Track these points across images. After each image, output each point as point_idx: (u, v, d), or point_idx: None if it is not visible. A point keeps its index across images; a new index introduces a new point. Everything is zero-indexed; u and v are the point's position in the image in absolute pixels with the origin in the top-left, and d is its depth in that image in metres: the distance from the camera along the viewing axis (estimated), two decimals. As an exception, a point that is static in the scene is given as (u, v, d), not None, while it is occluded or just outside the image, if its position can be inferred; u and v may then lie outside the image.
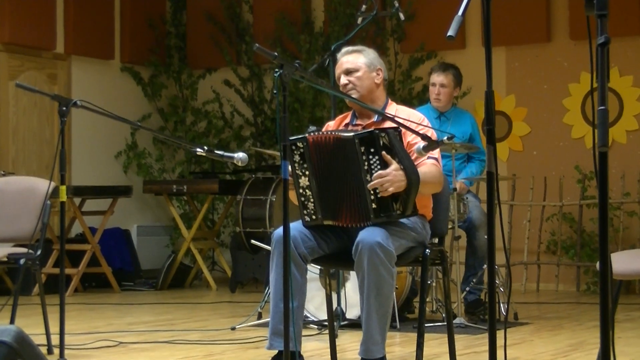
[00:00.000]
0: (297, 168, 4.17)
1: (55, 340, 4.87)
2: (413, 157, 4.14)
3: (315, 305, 6.02)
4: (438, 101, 6.58)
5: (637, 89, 8.49)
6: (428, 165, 4.21)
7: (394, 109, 4.43)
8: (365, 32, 8.73)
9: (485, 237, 6.19)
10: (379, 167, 4.01)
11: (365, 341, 4.02)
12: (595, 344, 5.27)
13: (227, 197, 9.84)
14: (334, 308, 5.07)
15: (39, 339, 4.73)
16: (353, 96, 4.33)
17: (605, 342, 2.41)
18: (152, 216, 10.37)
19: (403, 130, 4.13)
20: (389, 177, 3.97)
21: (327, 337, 4.68)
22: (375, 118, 4.38)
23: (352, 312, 5.95)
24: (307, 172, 4.16)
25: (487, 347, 2.93)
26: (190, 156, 10.28)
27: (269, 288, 4.36)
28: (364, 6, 6.37)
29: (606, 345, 2.42)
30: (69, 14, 9.50)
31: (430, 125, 4.38)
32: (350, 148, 4.05)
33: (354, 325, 5.79)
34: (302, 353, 4.21)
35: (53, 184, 5.21)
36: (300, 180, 4.18)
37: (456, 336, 4.50)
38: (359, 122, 4.43)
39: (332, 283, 5.75)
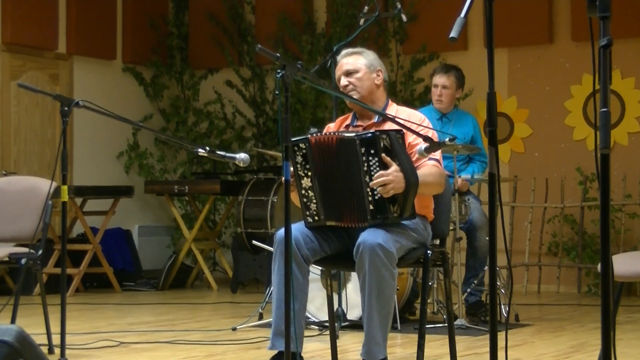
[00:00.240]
0: (299, 169, 4.17)
1: (56, 340, 4.87)
2: (414, 158, 4.15)
3: (316, 306, 6.01)
4: (440, 102, 6.58)
5: (639, 91, 8.48)
6: (429, 167, 4.22)
7: (394, 109, 4.44)
8: (367, 33, 8.72)
9: (486, 238, 6.21)
10: (378, 168, 4.01)
11: (366, 342, 4.02)
12: (596, 345, 5.28)
13: (228, 198, 9.84)
14: (335, 309, 5.06)
15: (40, 338, 4.71)
16: (353, 97, 4.33)
17: (607, 344, 2.42)
18: (153, 216, 10.37)
19: (405, 131, 4.13)
20: (390, 178, 3.98)
21: (328, 338, 4.68)
22: (375, 119, 4.38)
23: (353, 313, 5.95)
24: (309, 173, 4.16)
25: (488, 349, 2.93)
26: (191, 157, 10.28)
27: (270, 289, 4.36)
28: (366, 7, 6.37)
29: (607, 347, 2.42)
30: (71, 14, 9.50)
31: (430, 125, 4.39)
32: (351, 149, 4.05)
33: (355, 326, 5.80)
34: (303, 354, 4.20)
35: (55, 184, 5.21)
36: (302, 181, 4.17)
37: (457, 337, 4.50)
38: (359, 123, 4.44)
39: (333, 284, 5.74)
